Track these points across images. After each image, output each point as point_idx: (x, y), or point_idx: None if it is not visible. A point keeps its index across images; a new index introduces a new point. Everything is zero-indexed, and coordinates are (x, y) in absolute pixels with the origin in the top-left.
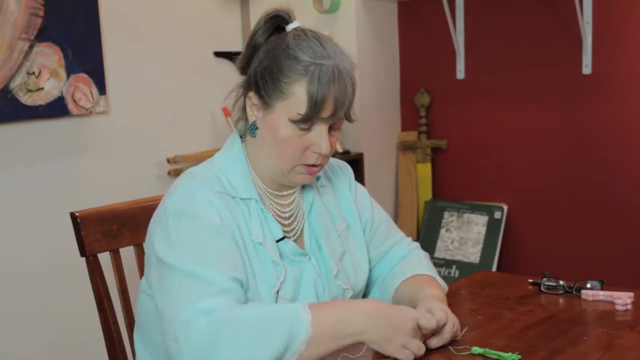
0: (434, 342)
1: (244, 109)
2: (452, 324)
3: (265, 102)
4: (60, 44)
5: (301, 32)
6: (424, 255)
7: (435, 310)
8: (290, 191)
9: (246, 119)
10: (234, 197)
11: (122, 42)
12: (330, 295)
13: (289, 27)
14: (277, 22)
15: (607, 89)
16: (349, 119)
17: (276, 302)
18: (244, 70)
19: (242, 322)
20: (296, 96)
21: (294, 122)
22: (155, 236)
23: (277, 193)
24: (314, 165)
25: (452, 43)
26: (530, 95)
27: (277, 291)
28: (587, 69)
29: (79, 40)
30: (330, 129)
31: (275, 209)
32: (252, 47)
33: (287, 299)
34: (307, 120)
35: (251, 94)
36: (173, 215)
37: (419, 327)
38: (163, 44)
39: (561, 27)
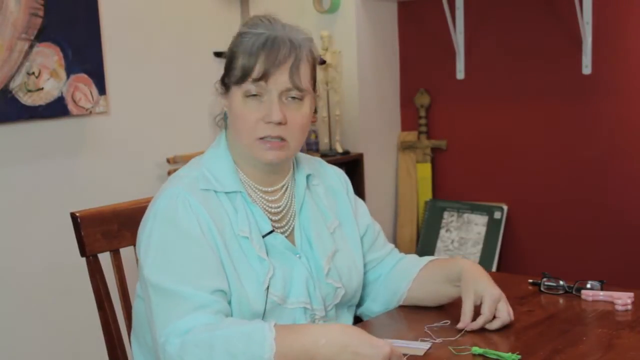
0: (496, 325)
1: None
2: (504, 302)
3: (227, 87)
4: (60, 44)
5: (254, 17)
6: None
7: (485, 301)
8: (276, 187)
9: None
10: (218, 193)
11: (122, 42)
12: (321, 293)
13: None
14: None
15: (607, 89)
16: (298, 87)
17: (266, 299)
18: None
19: (209, 345)
20: (236, 66)
21: (234, 84)
22: (142, 243)
23: (263, 188)
24: (269, 138)
25: (452, 43)
26: (530, 95)
27: (267, 287)
28: (587, 69)
29: (79, 40)
30: (287, 100)
31: (263, 204)
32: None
33: (278, 296)
34: (239, 82)
35: (217, 85)
36: (157, 222)
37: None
38: (163, 44)
39: (561, 27)
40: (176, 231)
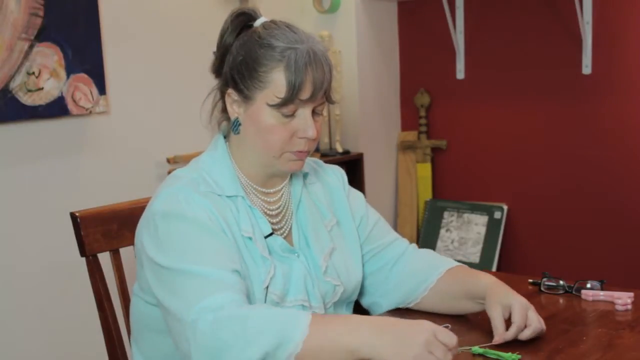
0: (527, 333)
1: (223, 110)
2: (534, 311)
3: (245, 95)
4: (60, 44)
5: (271, 23)
6: (434, 252)
7: (514, 310)
8: (277, 188)
9: (228, 119)
10: (220, 196)
11: (122, 42)
12: (320, 291)
13: (257, 23)
14: (244, 20)
15: (607, 89)
16: (329, 100)
17: (265, 298)
18: (218, 72)
19: (243, 318)
20: (275, 83)
21: (273, 106)
22: (145, 241)
23: (264, 190)
24: (301, 151)
25: (452, 43)
26: (530, 95)
27: (267, 287)
28: (587, 69)
29: (79, 40)
30: (313, 113)
31: (262, 206)
32: (223, 48)
33: (277, 295)
34: (285, 104)
35: (230, 90)
36: (160, 218)
37: (439, 341)
38: (163, 44)
39: (561, 27)
40: (183, 222)
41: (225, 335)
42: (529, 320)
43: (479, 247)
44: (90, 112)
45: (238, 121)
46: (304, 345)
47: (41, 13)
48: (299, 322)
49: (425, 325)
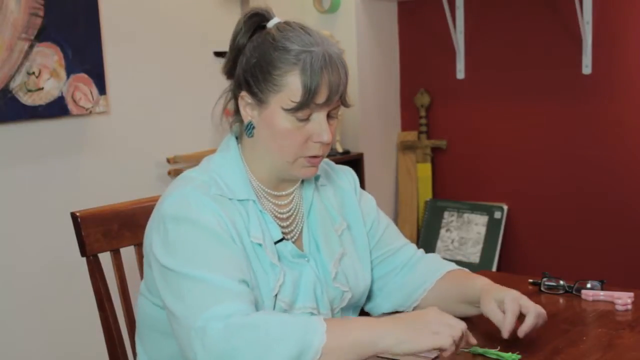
0: (529, 321)
1: (236, 112)
2: (527, 300)
3: (259, 99)
4: (60, 44)
5: (285, 24)
6: (439, 256)
7: (506, 301)
8: (289, 191)
9: (241, 121)
10: (231, 200)
11: (122, 42)
12: (329, 298)
13: (270, 24)
14: (257, 21)
15: (607, 89)
16: (344, 103)
17: (274, 305)
18: (230, 73)
19: (257, 326)
20: (290, 86)
21: (288, 110)
22: (154, 242)
23: (275, 193)
24: (315, 156)
25: (452, 43)
26: (530, 95)
27: (276, 294)
28: (587, 69)
29: (79, 40)
30: (328, 117)
31: (273, 210)
32: (236, 49)
33: (285, 302)
34: (301, 108)
35: (243, 93)
36: (170, 222)
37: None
38: (163, 44)
39: (561, 27)
40: (194, 227)
41: (238, 342)
42: (524, 308)
43: (479, 247)
44: (90, 112)
45: (252, 124)
46: (324, 351)
47: (41, 13)
48: (315, 328)
49: (432, 307)
